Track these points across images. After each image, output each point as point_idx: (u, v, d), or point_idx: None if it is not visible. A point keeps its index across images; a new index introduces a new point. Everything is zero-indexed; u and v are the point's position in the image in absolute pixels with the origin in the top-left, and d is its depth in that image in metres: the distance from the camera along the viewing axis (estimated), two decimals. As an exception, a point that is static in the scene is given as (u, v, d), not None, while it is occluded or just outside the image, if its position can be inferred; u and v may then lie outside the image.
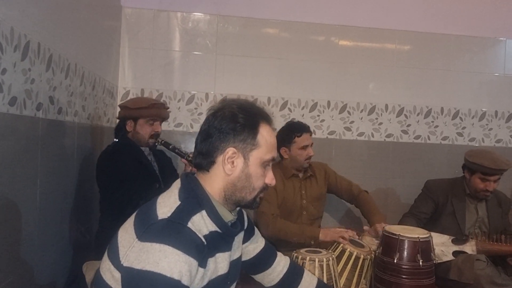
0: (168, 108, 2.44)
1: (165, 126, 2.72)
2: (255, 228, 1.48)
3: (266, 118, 1.20)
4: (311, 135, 2.58)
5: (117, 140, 2.32)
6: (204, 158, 1.17)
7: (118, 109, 2.39)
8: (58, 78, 1.79)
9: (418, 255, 1.88)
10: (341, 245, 2.09)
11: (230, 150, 1.14)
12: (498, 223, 2.63)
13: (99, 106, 2.50)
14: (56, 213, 1.85)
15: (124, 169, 2.09)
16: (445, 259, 2.31)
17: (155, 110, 2.27)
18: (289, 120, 2.86)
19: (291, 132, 2.52)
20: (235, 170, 1.16)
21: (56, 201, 1.84)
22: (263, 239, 1.50)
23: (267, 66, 3.11)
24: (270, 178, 1.22)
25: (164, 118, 2.38)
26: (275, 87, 3.13)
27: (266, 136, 1.18)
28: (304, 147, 2.50)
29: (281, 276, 1.49)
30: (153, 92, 2.99)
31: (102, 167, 2.15)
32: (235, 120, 1.14)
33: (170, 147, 2.27)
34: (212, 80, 3.06)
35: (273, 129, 1.22)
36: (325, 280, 1.78)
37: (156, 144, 2.31)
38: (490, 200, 2.62)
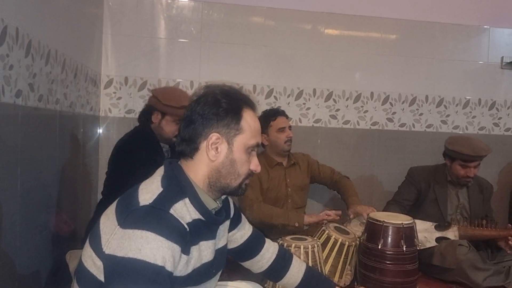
0: None
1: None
2: (242, 215, 1.48)
3: (249, 104, 1.19)
4: (287, 118, 2.64)
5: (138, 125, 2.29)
6: (187, 144, 1.16)
7: (150, 94, 2.33)
8: (38, 65, 1.75)
9: (402, 241, 1.91)
10: (326, 232, 2.10)
11: (213, 136, 1.13)
12: (479, 209, 2.67)
13: (82, 94, 2.45)
14: (38, 202, 1.82)
15: (142, 159, 2.03)
16: (428, 245, 2.35)
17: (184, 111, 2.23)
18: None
19: (266, 118, 2.60)
20: (219, 156, 1.15)
21: (38, 190, 1.81)
22: (251, 226, 1.50)
23: (253, 53, 3.09)
24: (255, 164, 1.21)
25: None
26: (260, 75, 3.11)
27: (249, 121, 1.17)
28: (281, 129, 2.57)
29: (270, 262, 1.49)
30: (137, 80, 2.94)
31: (122, 152, 2.11)
32: (218, 105, 1.13)
33: None
34: (197, 68, 3.03)
35: (256, 115, 1.21)
36: (310, 267, 1.79)
37: None
38: (471, 186, 2.66)
